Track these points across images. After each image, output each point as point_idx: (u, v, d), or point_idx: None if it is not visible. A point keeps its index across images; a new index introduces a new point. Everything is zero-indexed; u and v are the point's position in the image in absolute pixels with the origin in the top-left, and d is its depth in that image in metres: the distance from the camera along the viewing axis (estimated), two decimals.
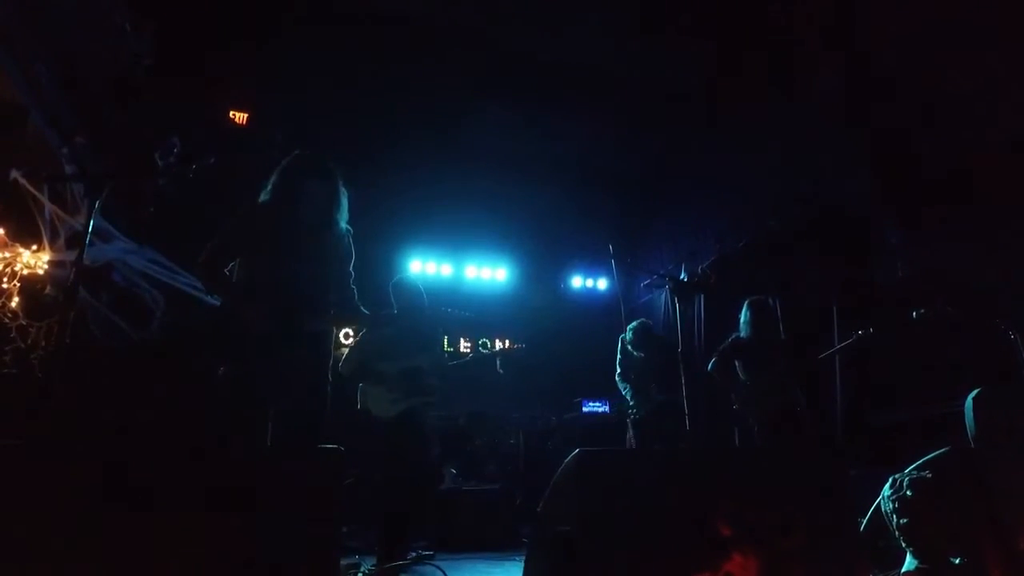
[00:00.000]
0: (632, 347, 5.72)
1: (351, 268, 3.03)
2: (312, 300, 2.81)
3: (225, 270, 2.79)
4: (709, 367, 4.80)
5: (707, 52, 5.37)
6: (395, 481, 4.08)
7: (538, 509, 2.19)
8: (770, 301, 4.93)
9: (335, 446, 1.69)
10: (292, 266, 2.79)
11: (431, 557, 4.39)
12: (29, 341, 4.16)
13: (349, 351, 4.37)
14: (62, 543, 1.47)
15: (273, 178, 2.89)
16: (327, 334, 2.92)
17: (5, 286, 4.16)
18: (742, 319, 4.76)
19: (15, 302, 4.19)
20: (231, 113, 5.78)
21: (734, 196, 6.55)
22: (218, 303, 2.91)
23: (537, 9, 5.27)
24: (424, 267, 8.23)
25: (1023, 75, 4.04)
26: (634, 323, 5.83)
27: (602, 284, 9.16)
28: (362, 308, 3.11)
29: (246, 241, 2.81)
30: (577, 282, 9.14)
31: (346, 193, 2.95)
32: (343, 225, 2.96)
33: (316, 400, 2.78)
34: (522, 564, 2.31)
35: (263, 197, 2.89)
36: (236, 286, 2.76)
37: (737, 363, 4.74)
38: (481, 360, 5.30)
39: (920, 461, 2.33)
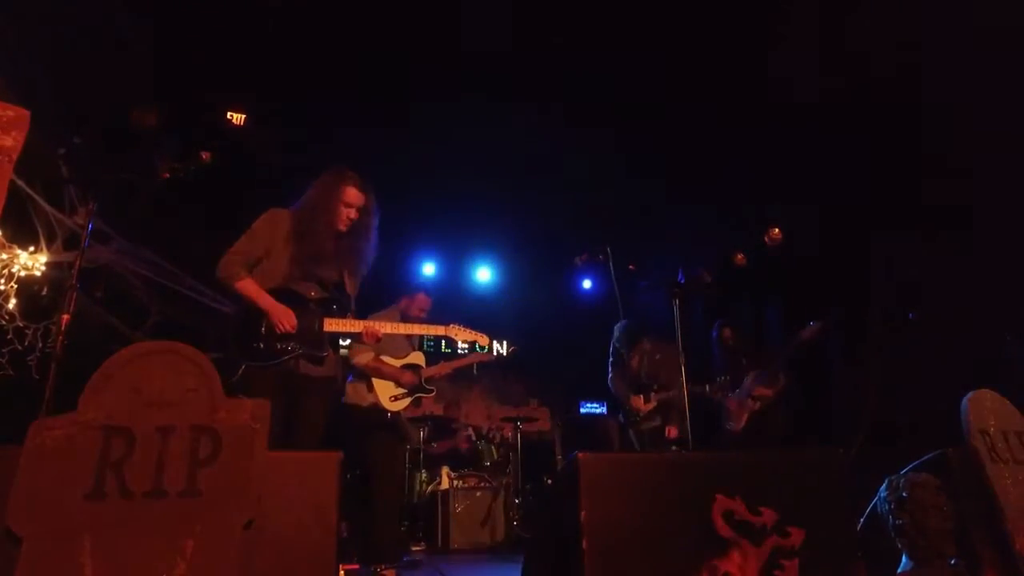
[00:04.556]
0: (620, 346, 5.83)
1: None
2: (331, 305, 2.88)
3: (244, 272, 2.78)
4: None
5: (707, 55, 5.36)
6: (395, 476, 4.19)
7: (537, 510, 2.19)
8: (727, 324, 5.36)
9: (335, 449, 1.70)
10: (314, 270, 2.86)
11: (416, 565, 4.44)
12: (26, 343, 4.15)
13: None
14: None
15: (311, 188, 2.99)
16: (340, 339, 2.99)
17: (2, 288, 4.15)
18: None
19: (12, 304, 4.18)
20: (229, 113, 5.76)
21: (734, 198, 6.55)
22: (233, 306, 2.91)
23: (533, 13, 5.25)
24: (423, 268, 8.23)
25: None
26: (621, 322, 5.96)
27: (600, 286, 9.17)
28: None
29: (270, 244, 2.85)
30: (575, 284, 9.15)
31: (377, 208, 3.15)
32: (373, 235, 3.14)
33: (332, 400, 2.89)
34: (521, 565, 2.32)
35: (297, 205, 2.97)
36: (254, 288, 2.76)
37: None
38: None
39: (916, 462, 2.35)
